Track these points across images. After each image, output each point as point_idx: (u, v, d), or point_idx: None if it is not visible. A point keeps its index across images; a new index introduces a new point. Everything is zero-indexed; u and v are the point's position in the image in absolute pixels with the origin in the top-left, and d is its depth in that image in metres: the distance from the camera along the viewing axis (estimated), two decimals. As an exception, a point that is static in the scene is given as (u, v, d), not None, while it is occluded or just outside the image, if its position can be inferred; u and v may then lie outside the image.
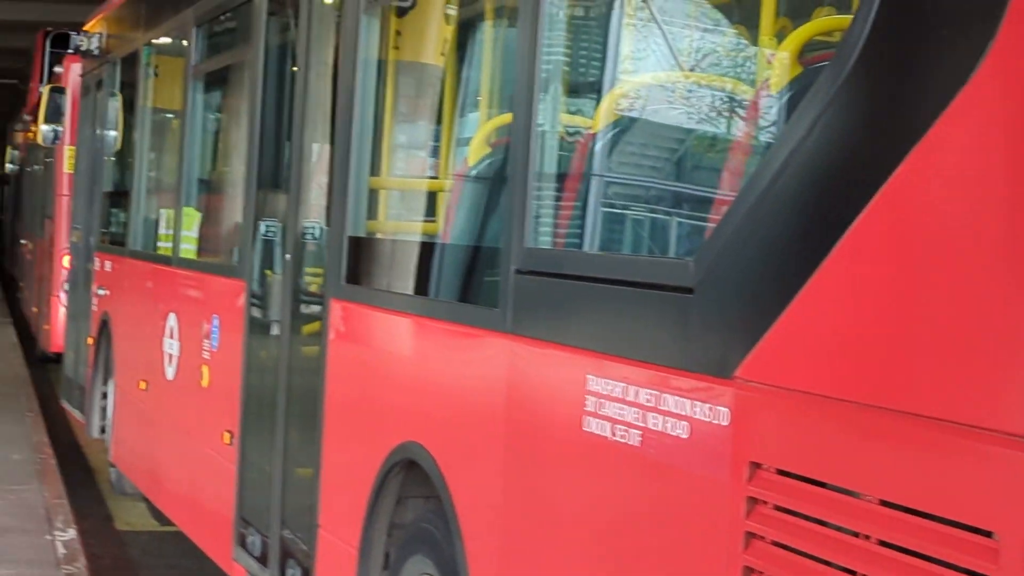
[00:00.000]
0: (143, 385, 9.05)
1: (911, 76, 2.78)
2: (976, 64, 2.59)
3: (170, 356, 8.29)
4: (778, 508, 3.07)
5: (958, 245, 2.66)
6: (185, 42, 8.52)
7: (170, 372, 8.31)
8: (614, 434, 3.62)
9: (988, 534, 2.54)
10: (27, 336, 20.52)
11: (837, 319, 2.94)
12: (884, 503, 2.77)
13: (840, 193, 2.95)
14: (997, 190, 2.57)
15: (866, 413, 2.83)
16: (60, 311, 15.36)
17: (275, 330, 6.46)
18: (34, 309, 20.04)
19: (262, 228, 6.70)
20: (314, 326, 6.05)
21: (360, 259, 5.64)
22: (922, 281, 2.75)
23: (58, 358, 14.52)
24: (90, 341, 11.20)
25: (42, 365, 17.98)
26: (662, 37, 4.63)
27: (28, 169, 25.34)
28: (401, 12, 5.79)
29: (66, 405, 12.66)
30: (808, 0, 4.59)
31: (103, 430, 10.90)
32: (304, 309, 6.24)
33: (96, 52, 11.60)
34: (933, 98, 2.70)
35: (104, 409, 10.82)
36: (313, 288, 6.17)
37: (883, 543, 2.76)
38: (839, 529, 2.91)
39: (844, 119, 2.95)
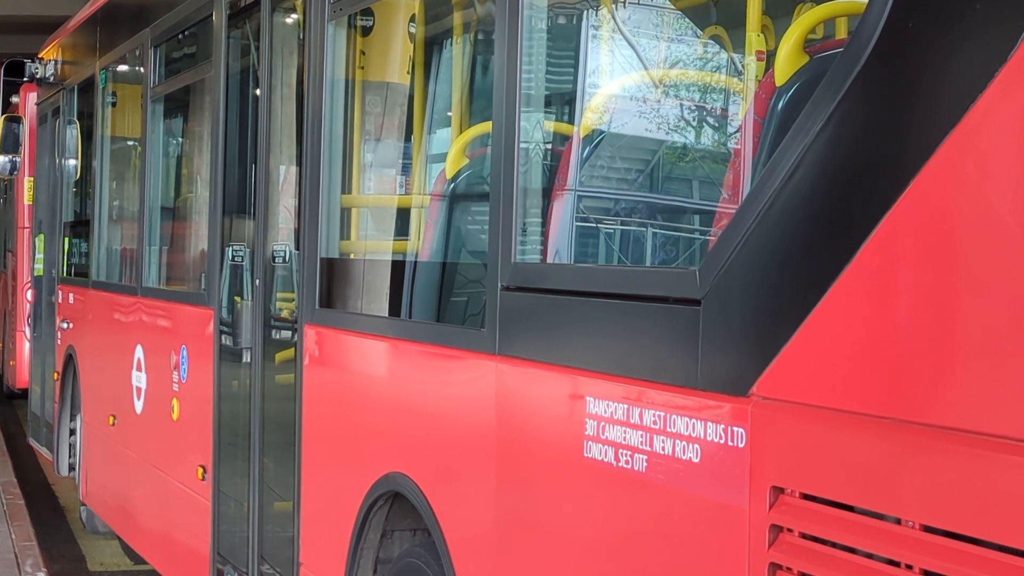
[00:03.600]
0: (112, 420, 8.79)
1: (940, 61, 2.53)
2: (1016, 42, 2.34)
3: (138, 389, 8.03)
4: (805, 536, 2.82)
5: (995, 247, 2.41)
6: (142, 64, 8.27)
7: (139, 406, 8.05)
8: (618, 459, 3.37)
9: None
10: (-7, 373, 20.18)
11: (864, 327, 2.68)
12: (927, 529, 2.52)
13: (862, 193, 2.70)
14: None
15: (901, 430, 2.58)
16: (26, 346, 15.05)
17: (247, 359, 6.20)
18: (-1, 345, 19.71)
19: (229, 253, 6.45)
20: (287, 353, 5.79)
21: (334, 282, 5.39)
22: (956, 285, 2.50)
23: (25, 394, 14.21)
24: (56, 376, 10.93)
25: (9, 402, 17.67)
26: (645, 43, 4.45)
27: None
28: (365, 31, 5.58)
29: (33, 443, 12.37)
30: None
31: (72, 467, 10.65)
32: (276, 335, 6.00)
33: (52, 79, 11.35)
34: (965, 85, 2.45)
35: (72, 446, 10.57)
36: (285, 313, 5.93)
37: (928, 573, 2.52)
38: (875, 558, 2.65)
39: (864, 111, 2.70)
